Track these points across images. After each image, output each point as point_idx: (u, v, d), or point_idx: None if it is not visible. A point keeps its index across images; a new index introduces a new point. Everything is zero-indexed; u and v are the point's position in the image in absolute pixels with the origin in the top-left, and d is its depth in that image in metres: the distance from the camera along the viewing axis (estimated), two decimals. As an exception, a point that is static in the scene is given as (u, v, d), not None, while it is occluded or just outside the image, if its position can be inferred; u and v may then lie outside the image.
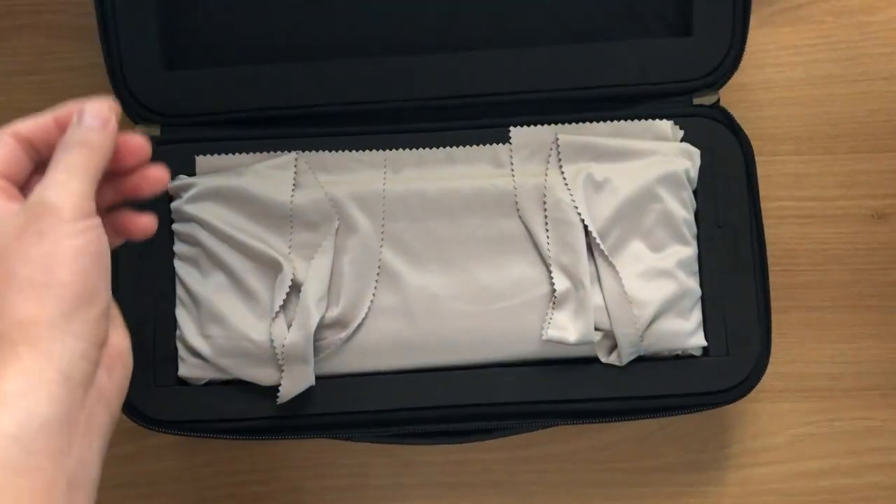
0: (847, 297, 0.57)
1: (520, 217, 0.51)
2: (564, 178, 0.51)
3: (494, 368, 0.50)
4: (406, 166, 0.52)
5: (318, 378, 0.50)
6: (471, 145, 0.52)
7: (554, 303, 0.50)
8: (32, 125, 0.37)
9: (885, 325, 0.57)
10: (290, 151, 0.52)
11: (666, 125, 0.52)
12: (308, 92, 0.52)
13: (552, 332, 0.49)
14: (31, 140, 0.37)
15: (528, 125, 0.52)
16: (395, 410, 0.50)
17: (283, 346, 0.48)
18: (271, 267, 0.50)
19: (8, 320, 0.33)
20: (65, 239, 0.33)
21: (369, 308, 0.50)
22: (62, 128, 0.37)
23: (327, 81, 0.52)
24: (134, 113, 0.52)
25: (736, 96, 0.56)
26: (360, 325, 0.50)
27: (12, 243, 0.33)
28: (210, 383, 0.51)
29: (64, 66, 0.58)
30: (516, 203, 0.51)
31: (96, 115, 0.36)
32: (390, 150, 0.52)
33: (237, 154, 0.52)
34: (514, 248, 0.51)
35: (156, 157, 0.51)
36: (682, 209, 0.51)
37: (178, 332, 0.51)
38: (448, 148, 0.52)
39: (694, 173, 0.51)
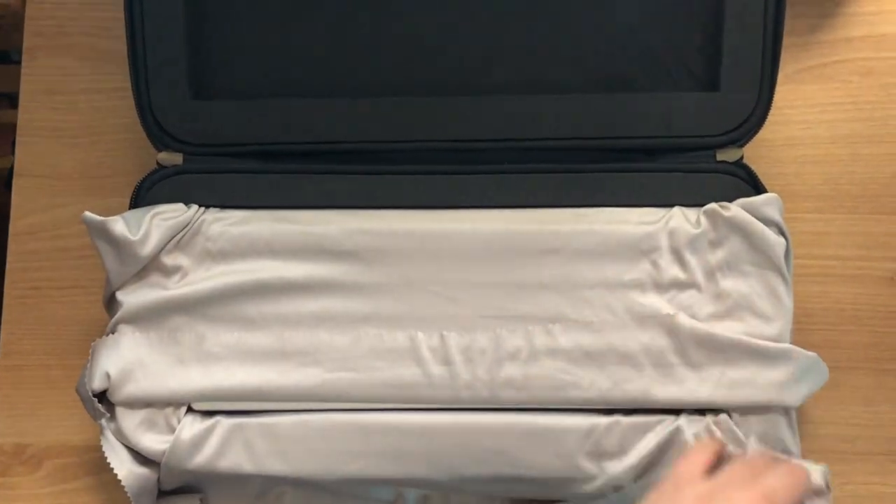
0: (864, 360, 0.56)
1: None
2: None
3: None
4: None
5: None
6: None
7: None
8: None
9: (902, 389, 0.56)
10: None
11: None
12: (331, 129, 0.52)
13: None
14: None
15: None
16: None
17: None
18: None
19: None
20: None
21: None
22: None
23: (350, 119, 0.52)
24: (157, 140, 0.52)
25: (759, 152, 0.55)
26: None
27: None
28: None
29: (89, 88, 0.58)
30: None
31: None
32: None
33: None
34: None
35: (176, 187, 0.51)
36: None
37: None
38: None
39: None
